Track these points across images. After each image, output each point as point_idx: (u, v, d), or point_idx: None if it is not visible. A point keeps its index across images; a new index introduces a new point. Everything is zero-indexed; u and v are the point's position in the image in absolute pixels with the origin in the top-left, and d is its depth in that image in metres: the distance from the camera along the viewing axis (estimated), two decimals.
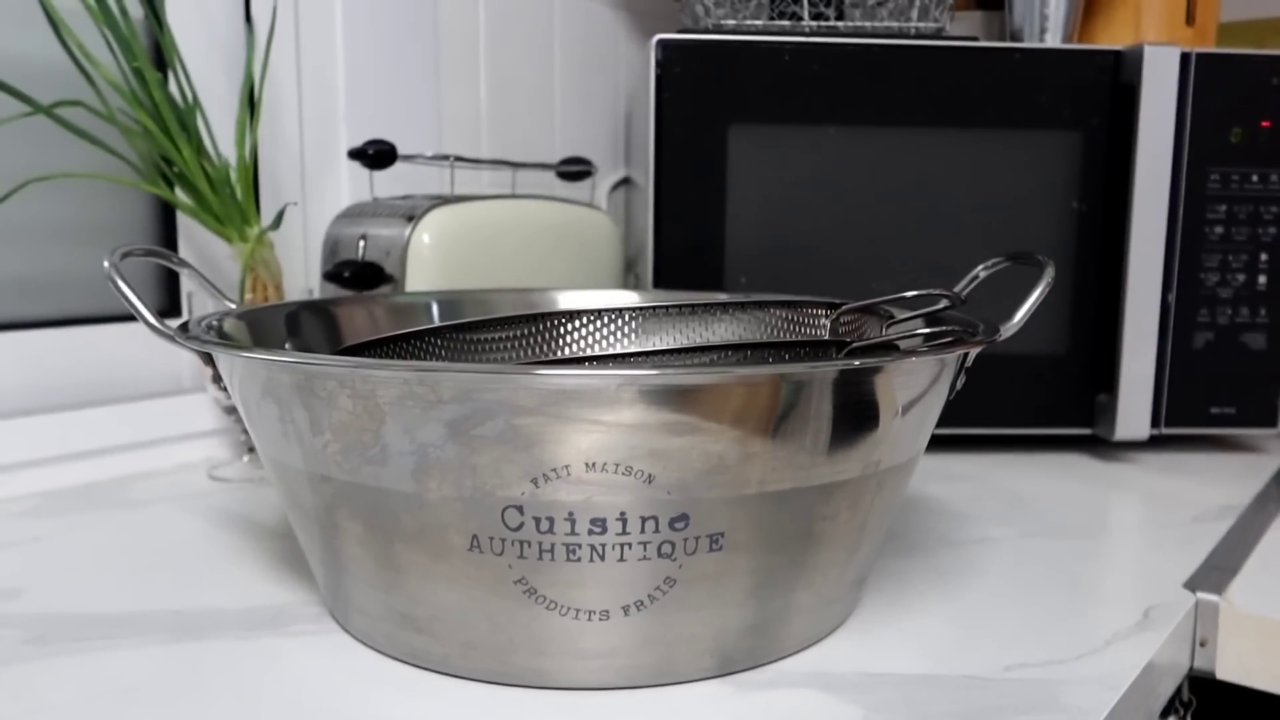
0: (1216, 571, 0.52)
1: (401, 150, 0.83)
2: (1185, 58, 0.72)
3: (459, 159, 0.78)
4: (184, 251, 0.77)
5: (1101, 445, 0.79)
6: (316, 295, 0.75)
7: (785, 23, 0.75)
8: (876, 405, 0.38)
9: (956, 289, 0.57)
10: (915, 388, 0.40)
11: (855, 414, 0.37)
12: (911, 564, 0.53)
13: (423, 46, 0.86)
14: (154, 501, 0.63)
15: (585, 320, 0.39)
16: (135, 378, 0.75)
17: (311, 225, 0.81)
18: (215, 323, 0.46)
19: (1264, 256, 0.75)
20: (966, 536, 0.58)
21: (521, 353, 0.39)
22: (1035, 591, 0.49)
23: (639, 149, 0.81)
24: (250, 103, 0.70)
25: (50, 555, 0.53)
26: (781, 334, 0.40)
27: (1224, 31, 0.98)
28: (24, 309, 0.71)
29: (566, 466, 0.34)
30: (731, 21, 0.76)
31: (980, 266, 0.55)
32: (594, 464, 0.34)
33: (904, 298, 0.43)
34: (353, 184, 0.81)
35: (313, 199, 0.81)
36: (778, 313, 0.40)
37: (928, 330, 0.39)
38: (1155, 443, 0.80)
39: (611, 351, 0.38)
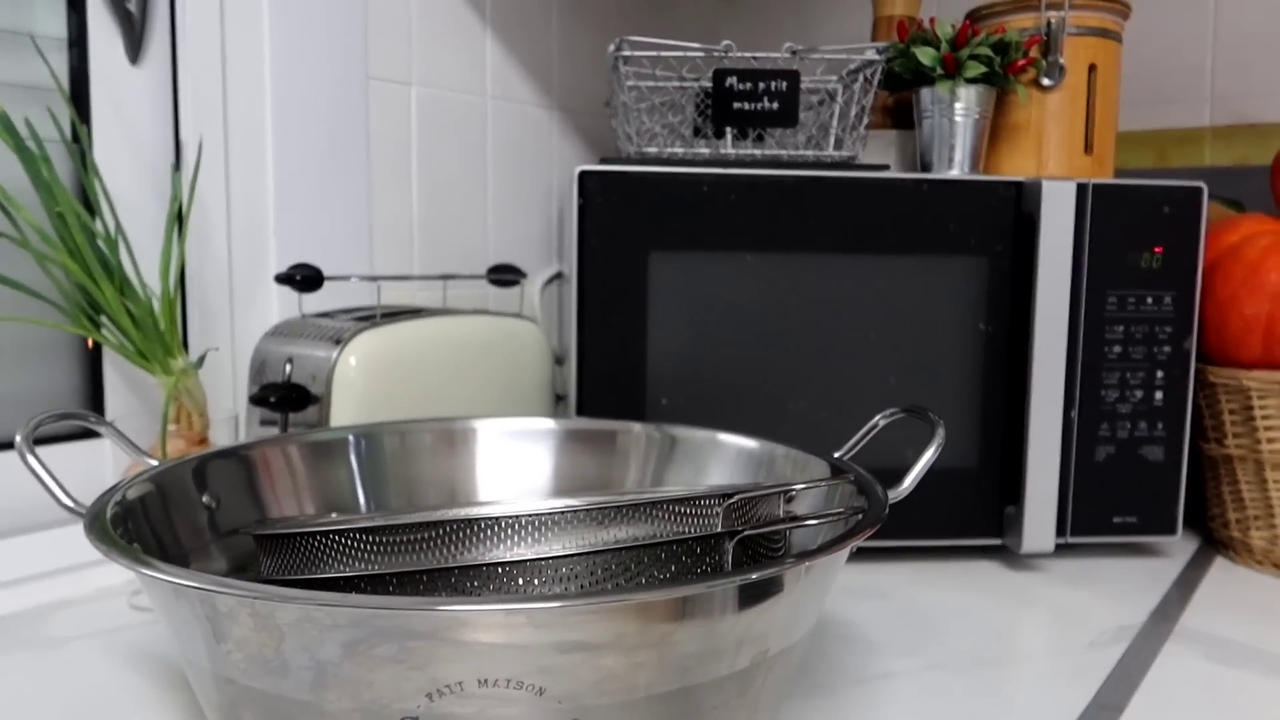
0: (1105, 712, 0.55)
1: (331, 267, 0.85)
2: (1082, 189, 0.76)
3: (387, 277, 0.79)
4: (114, 376, 0.77)
5: (1012, 553, 0.82)
6: (243, 420, 0.76)
7: (705, 151, 0.78)
8: (766, 600, 0.40)
9: (855, 439, 0.59)
10: (806, 580, 0.42)
11: (744, 612, 0.39)
12: (815, 707, 0.55)
13: (353, 158, 0.88)
14: (73, 638, 0.63)
15: (486, 527, 0.40)
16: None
17: (240, 343, 0.81)
18: (121, 498, 0.46)
19: (1159, 374, 0.78)
20: (872, 671, 0.60)
21: (427, 554, 0.40)
22: None
23: (570, 247, 0.83)
24: (177, 231, 0.71)
25: None
26: (676, 527, 0.42)
27: (1128, 140, 1.03)
28: None
29: (460, 683, 0.36)
30: (654, 149, 0.78)
31: (879, 416, 0.58)
32: (486, 680, 0.36)
33: (796, 480, 0.45)
34: (282, 300, 0.82)
35: (242, 316, 0.82)
36: (671, 508, 0.41)
37: (814, 521, 0.41)
38: (1064, 549, 0.83)
39: (509, 558, 0.40)
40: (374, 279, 0.77)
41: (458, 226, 0.98)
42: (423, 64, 0.94)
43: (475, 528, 0.40)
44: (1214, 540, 0.85)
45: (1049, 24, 0.80)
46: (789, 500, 0.49)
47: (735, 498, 0.43)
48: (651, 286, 0.74)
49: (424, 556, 0.41)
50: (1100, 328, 0.78)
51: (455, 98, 0.97)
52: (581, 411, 0.75)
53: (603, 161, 0.76)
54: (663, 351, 0.75)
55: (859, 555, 0.81)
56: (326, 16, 0.85)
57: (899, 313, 0.76)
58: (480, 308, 0.92)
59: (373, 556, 0.41)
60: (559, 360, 0.92)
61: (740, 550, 0.45)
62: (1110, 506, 0.79)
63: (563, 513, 0.40)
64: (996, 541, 0.80)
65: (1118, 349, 0.78)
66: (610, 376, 0.75)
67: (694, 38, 1.30)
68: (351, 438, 0.60)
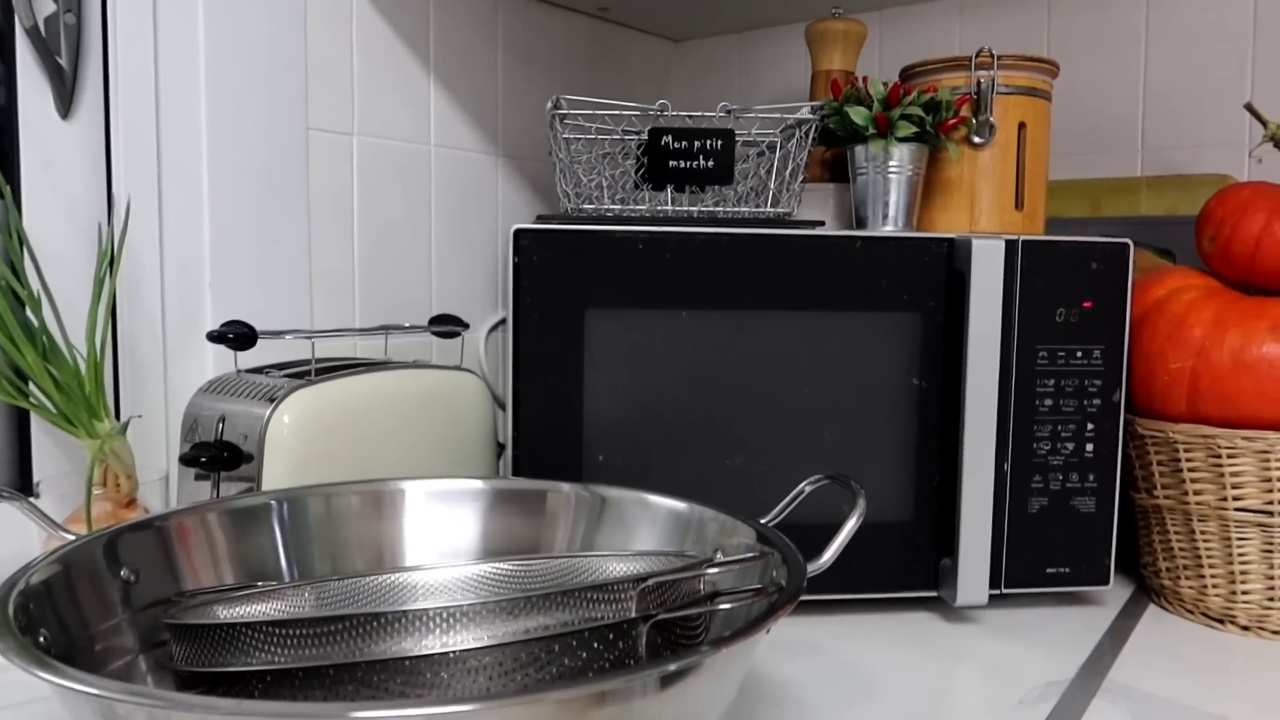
0: None
1: (270, 319, 0.84)
2: (1011, 245, 0.77)
3: (323, 333, 0.79)
4: (42, 436, 0.75)
5: (948, 605, 0.83)
6: (174, 480, 0.75)
7: (642, 208, 0.79)
8: (684, 681, 0.40)
9: (782, 505, 0.60)
10: (725, 658, 0.42)
11: (663, 692, 0.39)
12: None
13: (293, 208, 0.88)
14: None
15: (393, 620, 0.40)
16: None
17: (174, 399, 0.80)
18: (25, 585, 0.45)
19: (1090, 426, 0.80)
20: None
21: (336, 646, 0.40)
22: None
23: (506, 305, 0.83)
24: (105, 290, 0.70)
25: None
26: (590, 614, 0.42)
27: (1064, 189, 1.05)
28: None
29: None
30: (591, 206, 0.79)
31: (806, 482, 0.59)
32: None
33: (712, 560, 0.45)
34: (218, 355, 0.81)
35: (177, 372, 0.81)
36: (585, 594, 0.41)
37: (728, 604, 0.42)
38: (999, 599, 0.83)
39: (418, 652, 0.40)
40: (309, 335, 0.77)
41: (400, 275, 0.98)
42: (365, 113, 0.94)
43: (383, 620, 0.40)
44: (1147, 588, 0.86)
45: (979, 83, 0.82)
46: (710, 566, 0.50)
47: (649, 581, 0.43)
48: (588, 344, 0.75)
49: (333, 649, 0.40)
50: (1031, 381, 0.79)
51: (398, 146, 0.97)
52: (518, 468, 0.75)
53: (539, 219, 0.76)
54: (599, 408, 0.75)
55: (796, 610, 0.81)
56: (265, 68, 0.85)
57: (834, 368, 0.77)
58: (422, 359, 0.92)
59: (281, 648, 0.41)
60: (503, 406, 0.92)
61: (656, 631, 0.45)
62: (1044, 558, 0.80)
63: (474, 606, 0.40)
64: (933, 594, 0.80)
65: (1049, 402, 0.79)
66: (546, 434, 0.75)
67: (643, 82, 1.31)
68: (274, 503, 0.59)
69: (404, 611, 0.40)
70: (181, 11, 0.79)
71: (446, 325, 0.89)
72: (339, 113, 0.92)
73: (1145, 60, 1.04)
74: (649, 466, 0.76)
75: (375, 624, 0.40)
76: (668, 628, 0.47)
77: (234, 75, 0.83)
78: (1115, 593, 0.87)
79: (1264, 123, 0.80)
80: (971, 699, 0.66)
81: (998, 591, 0.80)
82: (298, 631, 0.41)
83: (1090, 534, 0.81)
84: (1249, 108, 0.81)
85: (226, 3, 0.82)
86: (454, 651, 0.40)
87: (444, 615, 0.40)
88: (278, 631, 0.40)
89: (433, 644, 0.40)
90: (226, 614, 0.52)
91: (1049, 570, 0.81)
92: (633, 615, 0.43)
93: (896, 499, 0.79)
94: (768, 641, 0.74)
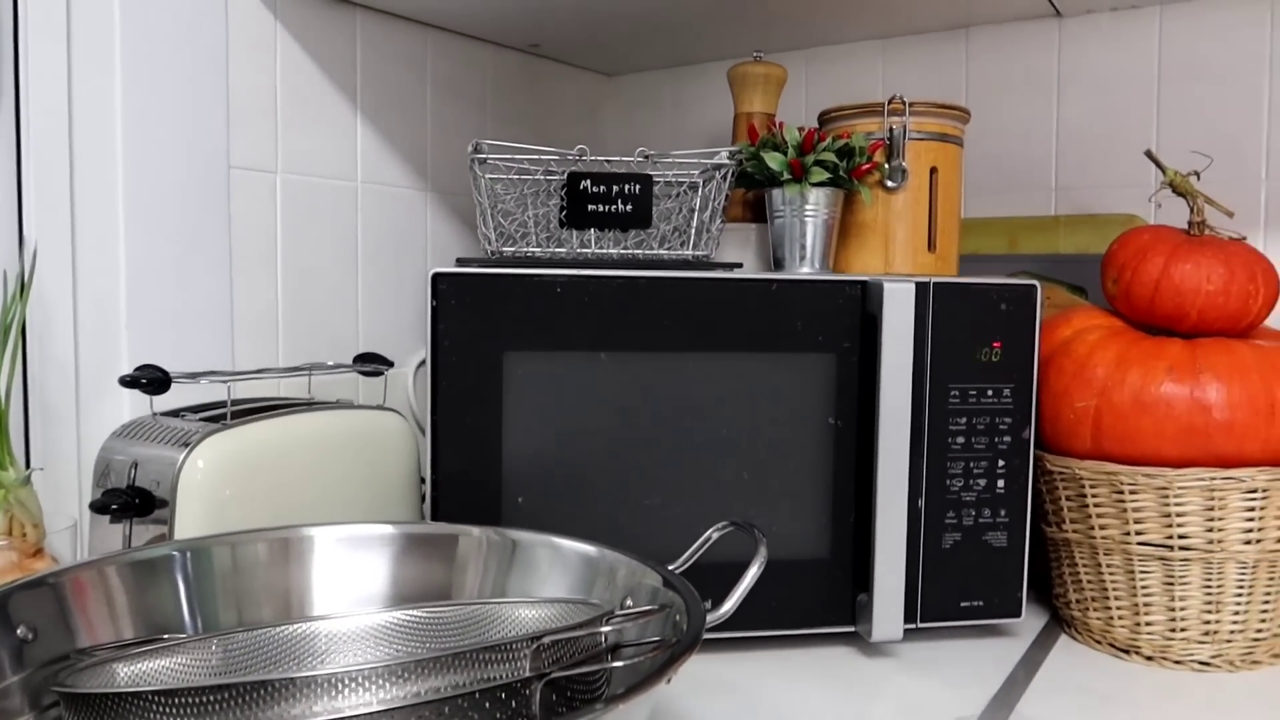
0: None
1: (188, 361, 0.84)
2: (922, 287, 0.79)
3: (242, 374, 0.78)
4: None
5: (866, 640, 0.84)
6: (85, 528, 0.74)
7: (562, 250, 0.79)
8: None
9: (690, 551, 0.61)
10: (621, 712, 0.42)
11: None
12: None
13: (213, 248, 0.87)
14: None
15: (281, 687, 0.40)
16: None
17: (87, 444, 0.79)
18: None
19: (1001, 463, 0.82)
20: None
21: (227, 713, 0.40)
22: None
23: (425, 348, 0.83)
24: (13, 338, 0.69)
25: None
26: (484, 674, 0.42)
27: (982, 227, 1.08)
28: None
29: None
30: (510, 249, 0.79)
31: (713, 529, 0.60)
32: None
33: (609, 615, 0.46)
34: (134, 398, 0.80)
35: (91, 416, 0.80)
36: (478, 655, 0.42)
37: (621, 662, 0.42)
38: (916, 633, 0.85)
39: (313, 718, 0.39)
40: (226, 378, 0.76)
41: (327, 313, 0.98)
42: (289, 150, 0.94)
43: (273, 687, 0.40)
44: (1060, 618, 0.88)
45: (891, 130, 0.84)
46: (610, 621, 0.50)
47: (544, 639, 0.44)
48: (506, 386, 0.75)
49: (222, 715, 0.40)
50: (944, 419, 0.81)
51: (324, 183, 0.97)
52: (437, 510, 0.75)
53: (459, 262, 0.77)
54: (518, 450, 0.75)
55: (713, 647, 0.82)
56: (184, 108, 0.84)
57: (751, 409, 0.78)
58: (348, 398, 0.92)
59: (170, 716, 0.40)
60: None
61: (550, 687, 0.45)
62: (958, 592, 0.82)
63: (364, 670, 0.40)
64: (851, 629, 0.82)
65: (961, 439, 0.81)
66: (466, 476, 0.75)
67: (576, 116, 1.32)
68: (176, 554, 0.59)
69: (291, 679, 0.40)
70: (97, 46, 0.79)
71: (371, 364, 0.88)
72: (262, 150, 0.92)
73: (1058, 103, 1.07)
74: (568, 508, 0.76)
75: (266, 690, 0.40)
76: (567, 681, 0.48)
77: (152, 112, 0.82)
78: (1030, 623, 0.89)
79: (1162, 169, 0.83)
80: None
81: (914, 625, 0.82)
82: (187, 700, 0.40)
83: (1002, 568, 0.83)
84: (1149, 154, 0.84)
85: (144, 39, 0.81)
86: (345, 717, 0.40)
87: (334, 680, 0.40)
88: (165, 701, 0.40)
89: (323, 709, 0.40)
90: (126, 671, 0.51)
91: (963, 604, 0.82)
92: (527, 674, 0.43)
93: (814, 537, 0.80)
94: (686, 681, 0.74)
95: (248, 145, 0.90)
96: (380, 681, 0.41)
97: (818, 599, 0.81)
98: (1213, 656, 0.78)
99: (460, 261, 0.78)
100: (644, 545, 0.76)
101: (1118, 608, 0.81)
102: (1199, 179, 0.84)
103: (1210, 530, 0.76)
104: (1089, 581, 0.83)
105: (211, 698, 0.40)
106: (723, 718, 0.69)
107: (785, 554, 0.80)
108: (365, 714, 0.40)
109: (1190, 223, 0.83)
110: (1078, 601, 0.84)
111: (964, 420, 0.81)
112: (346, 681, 0.40)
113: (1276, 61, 0.96)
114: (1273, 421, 0.75)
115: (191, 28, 0.85)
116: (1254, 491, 0.76)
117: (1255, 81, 0.97)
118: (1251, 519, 0.76)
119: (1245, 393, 0.75)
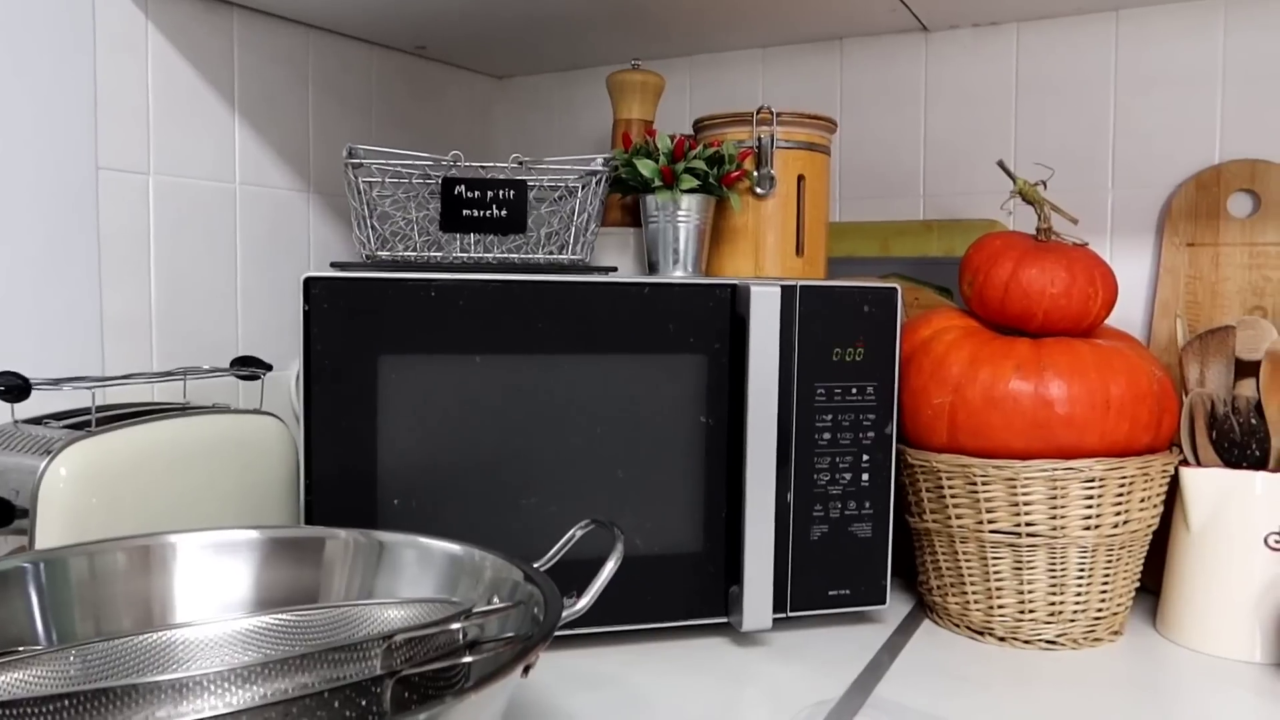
0: None
1: (54, 366, 0.82)
2: (789, 290, 0.83)
3: (110, 380, 0.77)
4: None
5: (738, 630, 0.88)
6: None
7: (438, 254, 0.80)
8: None
9: (555, 548, 0.62)
10: (471, 705, 0.44)
11: None
12: None
13: (81, 251, 0.85)
14: None
15: (123, 693, 0.40)
16: None
17: None
18: None
19: (865, 457, 0.86)
20: None
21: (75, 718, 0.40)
22: None
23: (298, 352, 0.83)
24: None
25: None
26: (334, 673, 0.43)
27: (856, 231, 1.12)
28: None
29: None
30: (386, 253, 0.80)
31: (576, 527, 0.62)
32: None
33: (465, 612, 0.47)
34: None
35: None
36: (327, 656, 0.43)
37: (471, 657, 0.44)
38: (787, 622, 0.88)
39: None
40: (92, 384, 0.75)
41: (204, 318, 0.97)
42: (162, 152, 0.93)
43: (112, 695, 0.40)
44: (924, 604, 0.93)
45: (760, 139, 0.87)
46: (467, 618, 0.52)
47: (396, 638, 0.45)
48: (381, 390, 0.76)
49: None
50: (811, 417, 0.84)
51: (200, 185, 0.96)
52: (312, 515, 0.75)
53: (333, 265, 0.77)
54: (394, 453, 0.76)
55: (591, 642, 0.84)
56: (48, 107, 0.82)
57: (625, 409, 0.81)
58: (226, 402, 0.91)
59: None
60: None
61: (402, 685, 0.46)
62: (825, 581, 0.86)
63: (209, 675, 0.41)
64: (724, 620, 0.85)
65: (827, 436, 0.85)
66: (341, 480, 0.75)
67: (466, 118, 1.33)
68: (29, 566, 0.58)
69: (134, 685, 0.40)
70: None
71: (249, 367, 0.88)
72: (133, 151, 0.90)
73: (925, 114, 1.12)
74: (444, 509, 0.77)
75: (108, 697, 0.40)
76: (422, 678, 0.49)
77: (12, 111, 0.80)
78: (896, 610, 0.93)
79: (1013, 179, 0.88)
80: None
81: (784, 615, 0.85)
82: (28, 710, 0.40)
83: (868, 557, 0.87)
84: (1001, 165, 0.89)
85: (4, 36, 0.79)
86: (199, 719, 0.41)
87: (179, 685, 0.41)
88: (4, 712, 0.40)
89: (166, 715, 0.40)
90: None
91: (831, 593, 0.86)
92: (378, 672, 0.44)
93: (688, 532, 0.83)
94: (561, 675, 0.76)
95: (118, 146, 0.89)
96: (226, 685, 0.42)
97: (692, 592, 0.83)
98: (1058, 635, 0.84)
99: (336, 265, 0.78)
100: (520, 544, 0.78)
101: (973, 592, 0.86)
102: (1046, 188, 0.89)
103: (1054, 518, 0.82)
104: (947, 568, 0.87)
105: (52, 706, 0.40)
106: (595, 710, 0.71)
107: (660, 549, 0.82)
108: (211, 717, 0.40)
109: (1038, 229, 0.88)
110: (938, 588, 0.89)
111: (830, 417, 0.85)
112: (191, 686, 0.41)
113: (1121, 78, 1.03)
114: (1108, 415, 0.81)
115: (55, 26, 0.83)
116: (1092, 481, 0.81)
117: (1102, 96, 1.04)
118: (1091, 506, 0.82)
119: (1084, 388, 0.81)
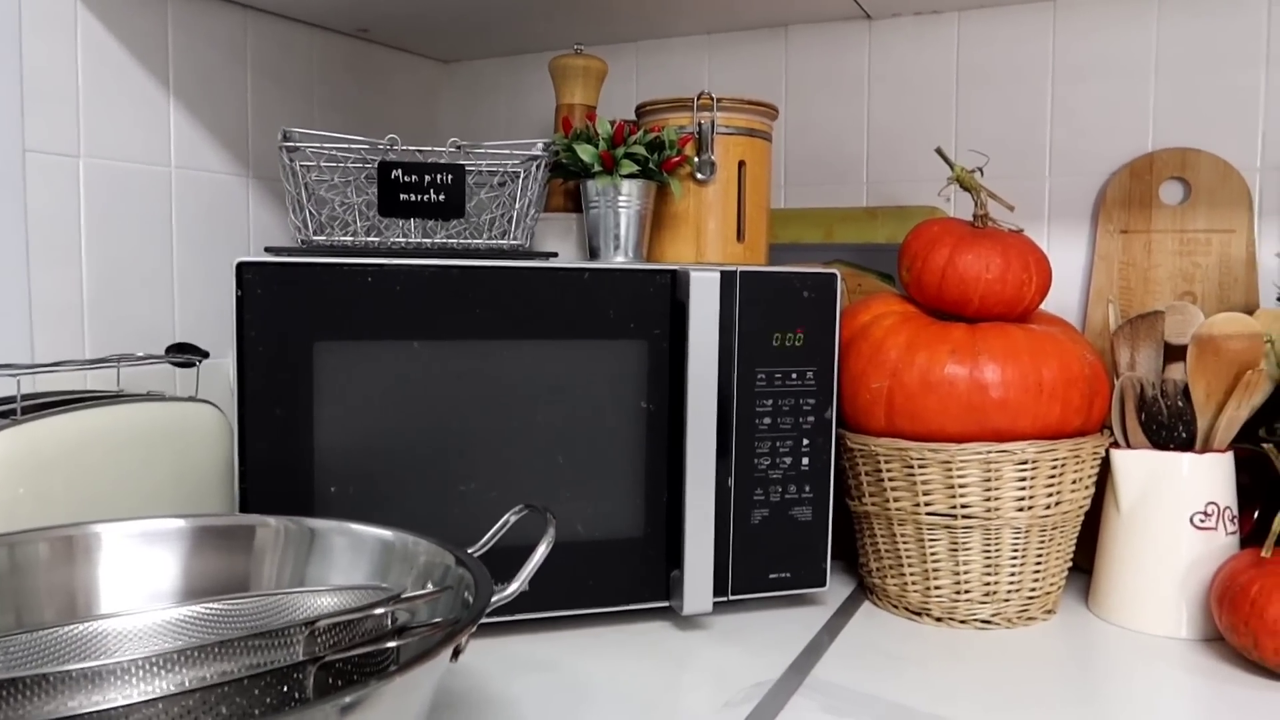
0: None
1: None
2: (728, 276, 0.83)
3: (37, 367, 0.75)
4: None
5: (679, 614, 0.88)
6: None
7: (374, 240, 0.79)
8: (357, 712, 0.41)
9: (489, 534, 0.62)
10: (399, 688, 0.44)
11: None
12: None
13: (6, 236, 0.83)
14: None
15: (35, 681, 0.39)
16: None
17: None
18: None
19: (805, 442, 0.87)
20: None
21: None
22: None
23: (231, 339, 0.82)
24: None
25: None
26: (257, 659, 0.42)
27: (801, 218, 1.13)
28: None
29: None
30: (322, 238, 0.79)
31: (510, 512, 0.62)
32: None
33: (391, 597, 0.47)
34: None
35: None
36: (249, 643, 0.42)
37: (395, 642, 0.44)
38: (728, 605, 0.89)
39: (73, 711, 0.39)
40: (19, 371, 0.73)
41: (138, 304, 0.95)
42: (93, 134, 0.91)
43: (22, 685, 0.39)
44: (864, 587, 0.94)
45: (700, 125, 0.87)
46: (395, 603, 0.51)
47: (319, 624, 0.44)
48: (317, 376, 0.75)
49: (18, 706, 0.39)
50: (751, 401, 0.85)
51: (133, 169, 0.94)
52: (246, 503, 0.74)
53: (267, 250, 0.76)
54: (330, 440, 0.75)
55: (533, 627, 0.84)
56: None
57: (566, 394, 0.80)
58: (159, 390, 0.89)
59: None
60: None
61: (326, 670, 0.46)
62: (766, 564, 0.87)
63: (120, 664, 0.40)
64: (666, 604, 0.85)
65: (768, 420, 0.86)
66: (276, 467, 0.74)
67: (412, 101, 1.31)
68: None
69: (44, 674, 0.39)
70: None
71: (185, 354, 0.86)
72: (62, 134, 0.88)
73: (869, 101, 1.13)
74: (382, 496, 0.77)
75: (17, 687, 0.40)
76: (348, 664, 0.49)
77: None
78: (838, 592, 0.95)
79: (951, 166, 0.89)
80: (687, 703, 0.70)
81: (725, 598, 0.86)
82: None
83: (808, 540, 0.88)
84: (939, 152, 0.90)
85: None
86: (102, 709, 0.40)
87: (91, 674, 0.40)
88: None
89: (80, 704, 0.40)
90: None
91: (771, 576, 0.87)
92: (300, 658, 0.44)
93: (630, 517, 0.83)
94: (500, 661, 0.76)
95: (46, 128, 0.86)
96: (143, 673, 0.41)
97: (634, 577, 0.84)
98: (993, 615, 0.85)
99: (270, 250, 0.77)
100: (460, 530, 0.77)
101: (910, 574, 0.87)
102: (983, 175, 0.90)
103: (988, 499, 0.83)
104: (886, 550, 0.89)
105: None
106: (535, 694, 0.71)
107: (602, 534, 0.82)
108: (124, 705, 0.40)
109: (975, 215, 0.89)
110: (877, 569, 0.90)
111: (770, 402, 0.86)
112: (105, 675, 0.40)
113: (1059, 67, 1.04)
114: (1040, 398, 0.82)
115: None
116: (1025, 463, 0.83)
117: (1040, 85, 1.05)
118: (1023, 488, 0.83)
119: (1018, 372, 0.82)
